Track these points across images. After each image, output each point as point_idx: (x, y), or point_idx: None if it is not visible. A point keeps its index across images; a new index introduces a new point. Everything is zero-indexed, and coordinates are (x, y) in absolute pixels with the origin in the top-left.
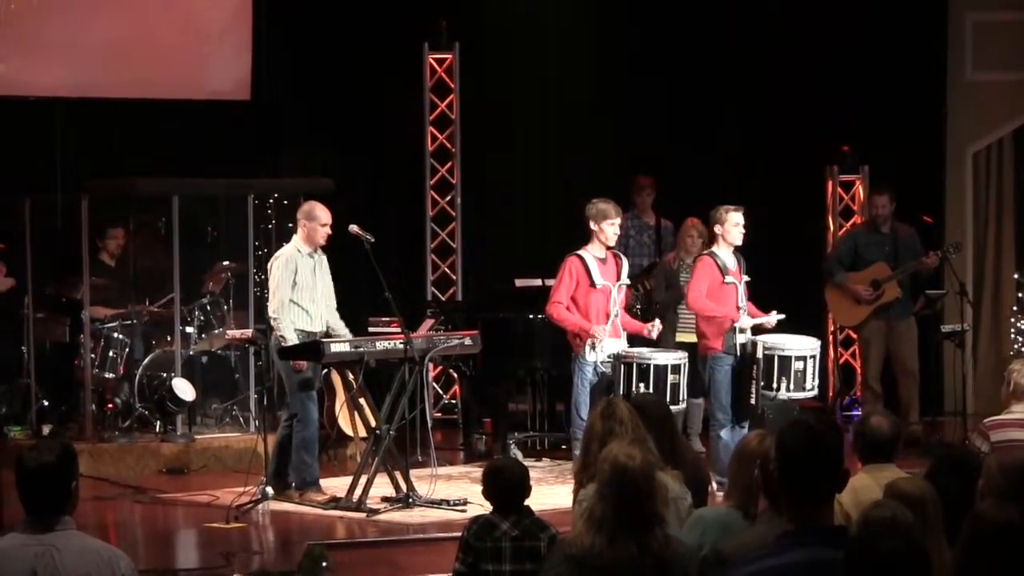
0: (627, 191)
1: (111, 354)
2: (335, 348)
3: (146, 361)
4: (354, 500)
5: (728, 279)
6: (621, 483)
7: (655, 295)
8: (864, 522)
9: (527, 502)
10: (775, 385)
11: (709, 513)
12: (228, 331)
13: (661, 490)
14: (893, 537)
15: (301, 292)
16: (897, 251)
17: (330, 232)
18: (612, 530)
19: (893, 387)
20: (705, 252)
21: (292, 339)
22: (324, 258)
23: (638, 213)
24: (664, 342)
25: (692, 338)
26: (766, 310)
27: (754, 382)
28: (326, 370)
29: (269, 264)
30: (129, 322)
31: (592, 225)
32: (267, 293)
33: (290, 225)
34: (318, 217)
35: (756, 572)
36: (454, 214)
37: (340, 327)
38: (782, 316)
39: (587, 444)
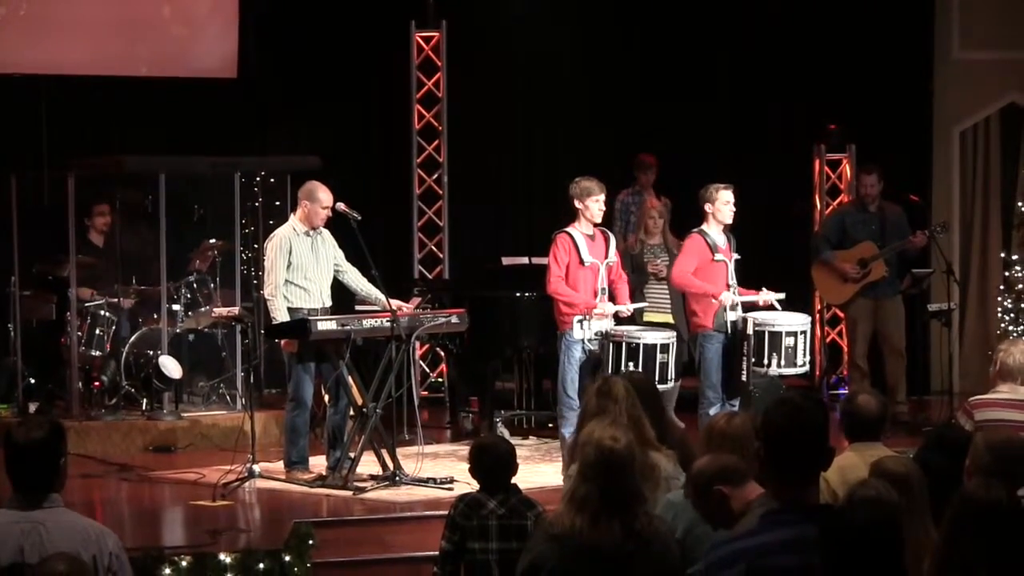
0: (625, 167)
1: (97, 332)
2: (321, 326)
3: (133, 339)
4: (341, 478)
5: (718, 257)
6: (604, 466)
7: None
8: (850, 500)
9: (514, 480)
10: (766, 361)
11: (678, 497)
12: (215, 309)
13: (654, 470)
14: (867, 510)
15: (296, 271)
16: (884, 230)
17: (330, 215)
18: (595, 511)
19: (880, 366)
20: (695, 230)
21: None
22: (326, 234)
23: (640, 190)
24: (632, 324)
25: (660, 318)
26: (755, 289)
27: (745, 359)
28: None
29: (265, 244)
30: (115, 300)
31: (577, 203)
32: (254, 271)
33: (276, 203)
34: (320, 199)
35: (741, 550)
36: (441, 192)
37: (374, 292)
38: (781, 295)
39: (581, 421)
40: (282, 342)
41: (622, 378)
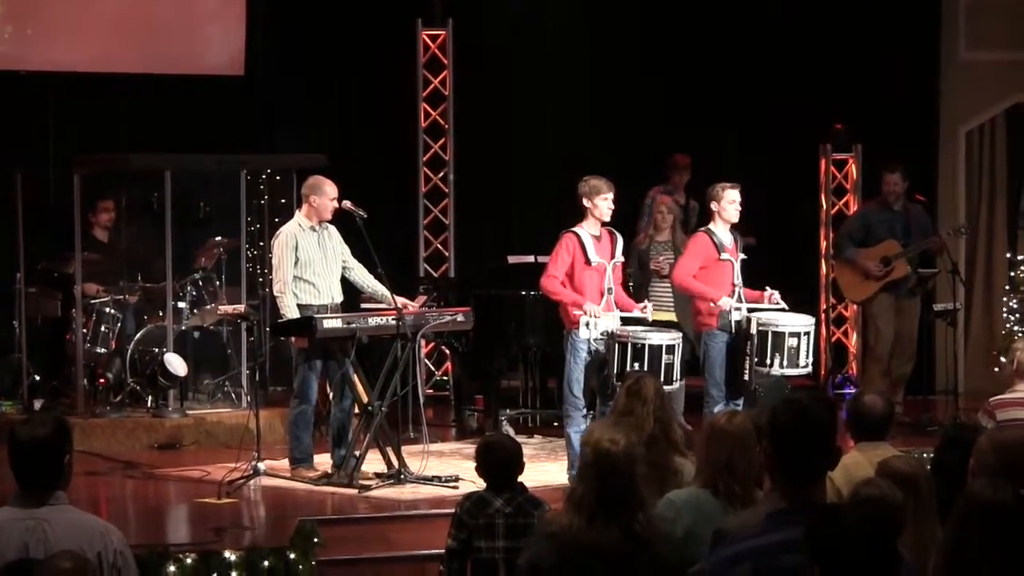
0: (629, 166)
1: (103, 329)
2: (327, 324)
3: (138, 336)
4: (346, 476)
5: (724, 256)
6: (602, 468)
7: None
8: (854, 499)
9: (520, 479)
10: (768, 361)
11: (680, 496)
12: (220, 306)
13: (677, 475)
14: (867, 508)
15: (305, 267)
16: (909, 229)
17: (337, 206)
18: (591, 512)
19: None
20: (702, 229)
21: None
22: (332, 229)
23: (672, 189)
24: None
25: (664, 316)
26: (760, 288)
27: (748, 358)
28: None
29: (271, 242)
30: (121, 297)
31: (585, 202)
32: (260, 269)
33: (283, 201)
34: (326, 192)
35: (747, 550)
36: (447, 190)
37: (381, 290)
38: (782, 306)
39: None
40: (293, 338)
41: (654, 379)
